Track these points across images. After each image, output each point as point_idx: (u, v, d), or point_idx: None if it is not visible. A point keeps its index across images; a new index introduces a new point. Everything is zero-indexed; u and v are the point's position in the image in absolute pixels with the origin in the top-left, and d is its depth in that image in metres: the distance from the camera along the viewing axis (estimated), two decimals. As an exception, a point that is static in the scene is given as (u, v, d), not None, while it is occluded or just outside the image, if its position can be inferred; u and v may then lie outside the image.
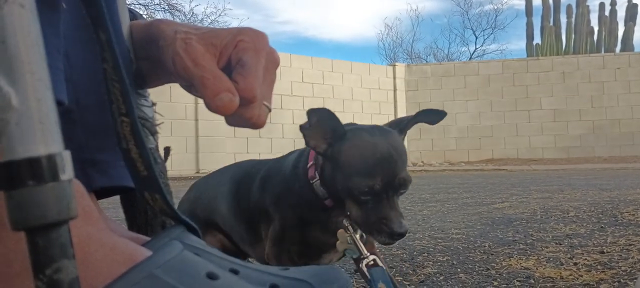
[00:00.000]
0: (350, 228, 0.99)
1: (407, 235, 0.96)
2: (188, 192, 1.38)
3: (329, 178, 1.02)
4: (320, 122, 0.98)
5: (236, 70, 0.60)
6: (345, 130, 1.01)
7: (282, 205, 1.08)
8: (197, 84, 0.59)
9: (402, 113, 13.07)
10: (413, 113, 1.08)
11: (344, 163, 0.98)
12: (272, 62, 0.64)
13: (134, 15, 0.84)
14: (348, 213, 1.00)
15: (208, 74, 0.58)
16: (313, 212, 1.05)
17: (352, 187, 0.96)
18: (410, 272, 1.42)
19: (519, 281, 1.26)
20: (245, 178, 1.19)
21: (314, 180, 1.03)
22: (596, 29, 15.90)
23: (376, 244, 1.10)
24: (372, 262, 0.93)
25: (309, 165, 1.05)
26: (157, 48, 0.64)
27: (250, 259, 1.23)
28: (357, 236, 0.98)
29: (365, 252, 0.95)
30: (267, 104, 0.63)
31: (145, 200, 0.59)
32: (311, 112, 0.98)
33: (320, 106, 1.01)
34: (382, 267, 0.93)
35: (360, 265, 0.94)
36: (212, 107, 0.57)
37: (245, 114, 0.60)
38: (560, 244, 1.75)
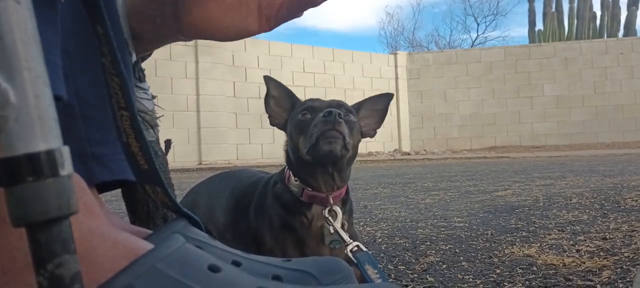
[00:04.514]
0: (330, 219, 1.04)
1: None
2: (186, 196, 1.39)
3: (292, 144, 1.08)
4: (279, 94, 1.12)
5: None
6: (299, 100, 1.14)
7: (276, 229, 1.10)
8: None
9: (404, 102, 13.05)
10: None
11: (294, 115, 1.09)
12: None
13: None
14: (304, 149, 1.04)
15: None
16: (296, 216, 1.08)
17: (295, 116, 1.08)
18: (413, 260, 1.42)
19: (522, 268, 1.26)
20: (244, 199, 1.20)
21: (290, 181, 1.08)
22: (598, 14, 15.81)
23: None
24: (356, 248, 0.98)
25: (285, 172, 1.11)
26: None
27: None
28: (338, 225, 1.03)
29: (348, 239, 1.00)
30: None
31: (146, 193, 0.59)
32: (268, 79, 1.13)
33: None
34: (366, 251, 0.97)
35: (346, 251, 0.98)
36: None
37: None
38: (563, 231, 1.75)
